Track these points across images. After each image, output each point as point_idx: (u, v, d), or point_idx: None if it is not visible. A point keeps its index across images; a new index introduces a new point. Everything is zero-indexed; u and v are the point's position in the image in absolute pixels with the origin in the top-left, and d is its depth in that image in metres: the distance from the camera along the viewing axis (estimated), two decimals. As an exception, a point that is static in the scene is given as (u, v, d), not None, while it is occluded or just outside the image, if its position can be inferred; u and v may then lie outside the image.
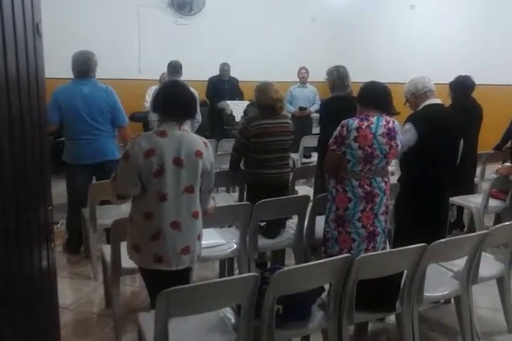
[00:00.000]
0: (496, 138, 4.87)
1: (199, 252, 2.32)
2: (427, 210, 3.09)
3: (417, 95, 3.18)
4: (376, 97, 2.74)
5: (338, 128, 2.70)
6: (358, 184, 2.70)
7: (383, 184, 2.75)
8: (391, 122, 2.73)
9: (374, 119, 2.67)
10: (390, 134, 2.69)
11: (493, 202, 4.04)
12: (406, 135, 3.03)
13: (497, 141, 4.90)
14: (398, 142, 2.74)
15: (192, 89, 4.84)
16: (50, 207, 1.86)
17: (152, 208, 2.17)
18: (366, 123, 2.65)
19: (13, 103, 1.47)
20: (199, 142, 2.25)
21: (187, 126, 2.26)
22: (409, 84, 3.23)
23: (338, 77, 3.75)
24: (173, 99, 2.22)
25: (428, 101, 3.14)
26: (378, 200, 2.72)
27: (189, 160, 2.17)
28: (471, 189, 4.42)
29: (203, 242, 2.41)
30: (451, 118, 3.19)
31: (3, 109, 1.40)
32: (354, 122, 2.66)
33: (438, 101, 3.19)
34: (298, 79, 7.01)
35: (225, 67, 6.85)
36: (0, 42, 1.35)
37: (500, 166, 4.29)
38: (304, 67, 6.97)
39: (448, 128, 3.11)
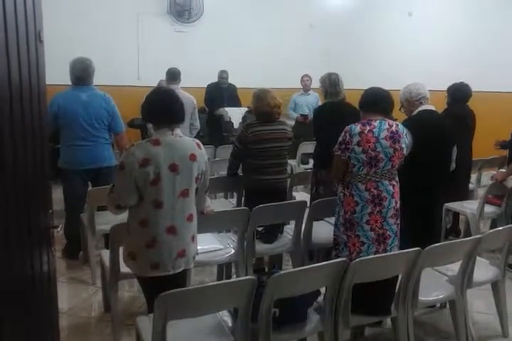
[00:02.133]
0: (490, 145, 4.85)
1: (194, 254, 2.35)
2: (420, 215, 3.12)
3: (410, 101, 3.24)
4: (377, 102, 2.78)
5: (342, 134, 2.75)
6: (365, 187, 2.72)
7: (391, 187, 2.76)
8: (394, 125, 2.76)
9: (376, 123, 2.72)
10: (394, 137, 2.72)
11: (488, 208, 4.08)
12: None
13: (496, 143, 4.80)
14: (403, 145, 2.77)
15: (190, 96, 4.94)
16: (50, 211, 1.88)
17: (148, 215, 2.19)
18: (368, 128, 2.69)
19: (15, 109, 1.50)
20: (192, 145, 2.28)
21: (179, 130, 2.29)
22: (403, 90, 3.29)
23: (330, 84, 3.81)
24: (158, 106, 2.24)
25: (421, 108, 3.20)
26: (386, 203, 2.74)
27: (184, 164, 2.20)
28: (465, 195, 4.45)
29: (201, 247, 2.45)
30: (444, 125, 3.23)
31: (5, 116, 1.43)
32: (356, 127, 2.70)
33: (431, 107, 3.24)
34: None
35: (223, 75, 6.90)
36: (3, 50, 1.38)
37: (496, 172, 4.33)
38: (306, 75, 7.00)
39: (440, 134, 3.15)
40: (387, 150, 2.70)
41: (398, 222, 2.82)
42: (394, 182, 2.81)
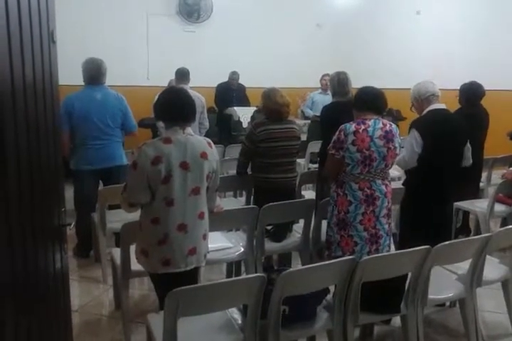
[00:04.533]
0: (500, 143, 4.85)
1: (205, 252, 2.37)
2: (431, 214, 3.11)
3: (419, 100, 3.21)
4: (370, 101, 2.80)
5: (336, 132, 2.76)
6: (358, 187, 2.74)
7: (383, 187, 2.78)
8: (388, 125, 2.78)
9: (371, 123, 2.73)
10: (388, 137, 2.73)
11: (498, 207, 4.05)
12: (411, 140, 3.06)
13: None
14: (396, 145, 2.78)
15: (199, 96, 4.97)
16: (63, 209, 1.91)
17: (159, 213, 2.21)
18: (363, 127, 2.70)
19: (29, 109, 1.53)
20: (203, 143, 2.30)
21: (190, 129, 2.31)
22: (413, 89, 3.27)
23: (338, 83, 3.81)
24: (171, 105, 2.26)
25: (432, 106, 3.16)
26: (379, 203, 2.75)
27: (195, 162, 2.22)
28: (475, 194, 4.43)
29: (210, 245, 2.46)
30: (455, 123, 3.21)
31: (20, 115, 1.46)
32: (351, 126, 2.72)
33: (442, 106, 3.21)
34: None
35: (234, 76, 6.93)
36: (18, 50, 1.41)
37: (506, 171, 4.31)
38: (327, 74, 6.96)
39: (451, 132, 3.13)
40: (380, 149, 2.71)
41: (390, 221, 2.85)
42: (387, 182, 2.83)
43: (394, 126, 2.83)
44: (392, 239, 2.95)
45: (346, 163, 2.72)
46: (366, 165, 2.71)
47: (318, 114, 6.68)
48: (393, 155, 2.78)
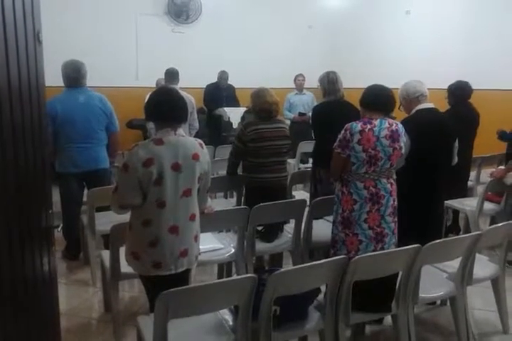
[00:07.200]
0: (489, 142, 4.88)
1: (197, 253, 2.36)
2: (422, 213, 3.12)
3: (407, 99, 3.22)
4: (379, 100, 2.78)
5: (342, 131, 2.75)
6: (363, 186, 2.73)
7: (389, 185, 2.78)
8: (394, 125, 2.77)
9: (377, 122, 2.72)
10: (393, 136, 2.73)
11: (488, 205, 4.09)
12: None
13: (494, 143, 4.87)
14: (402, 144, 2.78)
15: (189, 96, 4.96)
16: (50, 211, 1.89)
17: (151, 215, 2.19)
18: (369, 126, 2.69)
19: (15, 110, 1.51)
20: (195, 144, 2.28)
21: (182, 130, 2.29)
22: (401, 89, 3.27)
23: (329, 82, 3.83)
24: (163, 105, 2.24)
25: (420, 106, 3.17)
26: (384, 201, 2.75)
27: (187, 163, 2.21)
28: (463, 191, 4.46)
29: (201, 247, 2.45)
30: (443, 122, 3.22)
31: (5, 117, 1.44)
32: (357, 125, 2.70)
33: (430, 105, 3.22)
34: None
35: (223, 76, 6.91)
36: (2, 51, 1.39)
37: (494, 169, 4.34)
38: (301, 74, 7.07)
39: (439, 131, 3.14)
40: (386, 149, 2.71)
41: (395, 219, 2.83)
42: (391, 181, 2.82)
43: (400, 125, 2.81)
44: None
45: (352, 162, 2.72)
46: (372, 164, 2.71)
47: (301, 112, 6.75)
48: (398, 154, 2.78)
